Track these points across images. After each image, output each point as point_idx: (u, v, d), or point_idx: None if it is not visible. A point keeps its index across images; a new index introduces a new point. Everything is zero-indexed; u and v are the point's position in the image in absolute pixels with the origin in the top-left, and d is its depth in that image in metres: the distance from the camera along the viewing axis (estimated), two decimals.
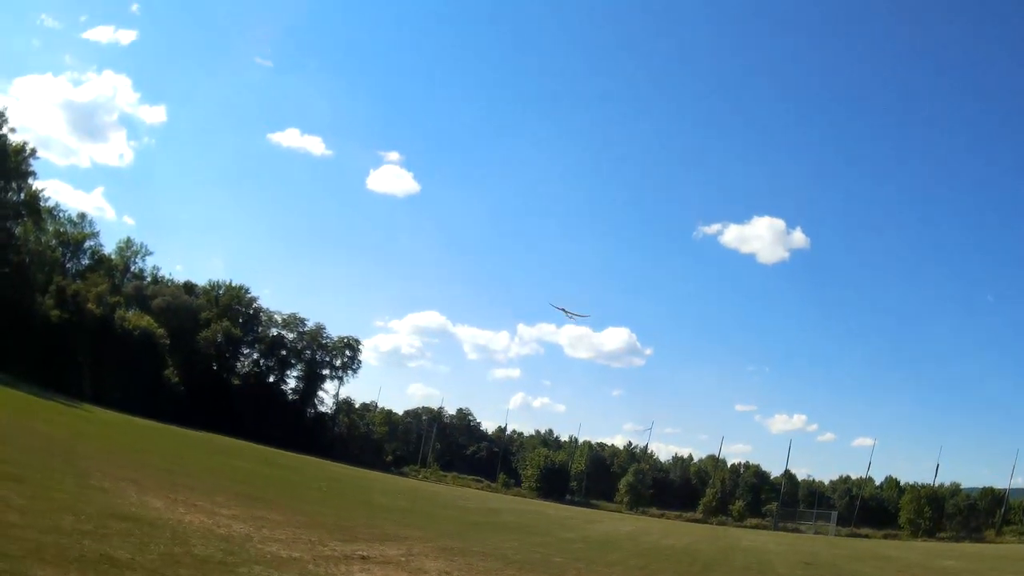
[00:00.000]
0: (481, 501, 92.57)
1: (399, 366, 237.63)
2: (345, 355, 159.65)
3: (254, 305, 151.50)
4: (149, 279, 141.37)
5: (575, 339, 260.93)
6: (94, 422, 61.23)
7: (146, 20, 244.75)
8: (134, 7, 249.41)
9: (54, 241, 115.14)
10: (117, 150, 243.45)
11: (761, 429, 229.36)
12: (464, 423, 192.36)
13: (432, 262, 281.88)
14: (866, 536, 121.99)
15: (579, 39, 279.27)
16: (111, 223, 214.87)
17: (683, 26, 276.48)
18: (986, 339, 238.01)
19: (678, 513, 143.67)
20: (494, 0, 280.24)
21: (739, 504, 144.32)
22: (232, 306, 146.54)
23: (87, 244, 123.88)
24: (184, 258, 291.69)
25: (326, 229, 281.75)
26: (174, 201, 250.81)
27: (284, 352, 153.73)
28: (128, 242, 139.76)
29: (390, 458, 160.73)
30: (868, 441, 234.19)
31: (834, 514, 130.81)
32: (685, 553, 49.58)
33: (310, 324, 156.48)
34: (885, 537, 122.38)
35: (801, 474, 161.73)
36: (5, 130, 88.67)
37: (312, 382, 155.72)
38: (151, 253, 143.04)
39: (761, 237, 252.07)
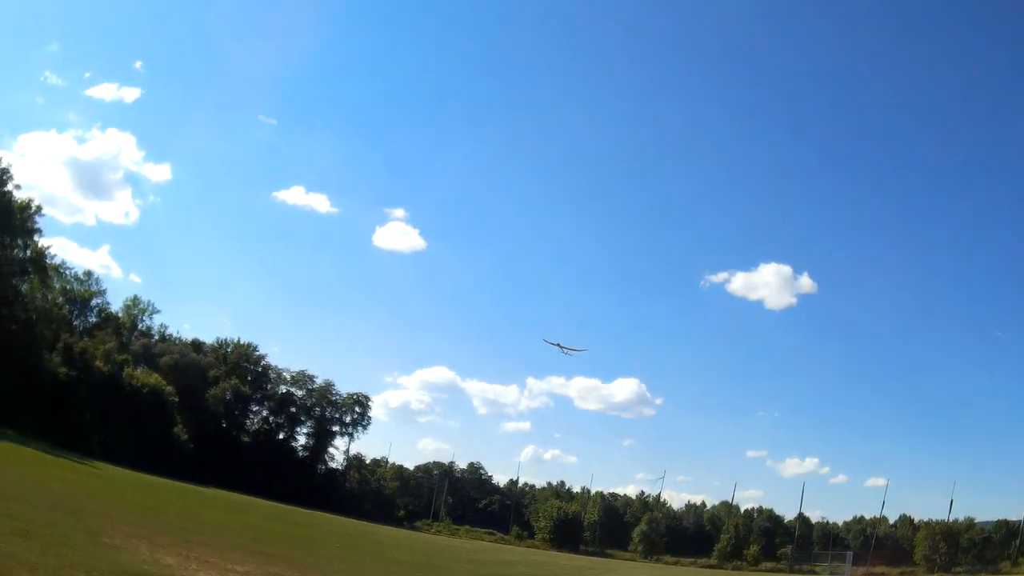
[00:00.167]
0: (495, 554, 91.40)
1: (409, 421, 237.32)
2: (355, 411, 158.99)
3: (263, 363, 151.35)
4: (157, 337, 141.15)
5: (585, 391, 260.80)
6: (104, 479, 60.61)
7: (150, 78, 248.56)
8: (138, 64, 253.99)
9: (61, 298, 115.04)
10: (123, 208, 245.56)
11: (773, 474, 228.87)
12: (475, 477, 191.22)
13: (440, 317, 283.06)
14: (882, 575, 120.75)
15: (584, 98, 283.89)
16: (118, 281, 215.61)
17: (684, 82, 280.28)
18: (995, 373, 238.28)
19: (692, 560, 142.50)
20: (499, 60, 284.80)
21: (754, 549, 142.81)
22: (241, 364, 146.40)
23: (94, 302, 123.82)
24: (191, 316, 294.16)
25: (333, 286, 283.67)
26: (181, 259, 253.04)
27: (294, 409, 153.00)
28: (135, 300, 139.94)
29: (402, 513, 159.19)
30: (881, 481, 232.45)
31: (849, 554, 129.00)
32: None
33: (319, 381, 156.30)
34: (901, 575, 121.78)
35: (815, 517, 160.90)
36: (10, 187, 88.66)
37: (322, 439, 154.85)
38: (158, 311, 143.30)
39: (768, 284, 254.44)
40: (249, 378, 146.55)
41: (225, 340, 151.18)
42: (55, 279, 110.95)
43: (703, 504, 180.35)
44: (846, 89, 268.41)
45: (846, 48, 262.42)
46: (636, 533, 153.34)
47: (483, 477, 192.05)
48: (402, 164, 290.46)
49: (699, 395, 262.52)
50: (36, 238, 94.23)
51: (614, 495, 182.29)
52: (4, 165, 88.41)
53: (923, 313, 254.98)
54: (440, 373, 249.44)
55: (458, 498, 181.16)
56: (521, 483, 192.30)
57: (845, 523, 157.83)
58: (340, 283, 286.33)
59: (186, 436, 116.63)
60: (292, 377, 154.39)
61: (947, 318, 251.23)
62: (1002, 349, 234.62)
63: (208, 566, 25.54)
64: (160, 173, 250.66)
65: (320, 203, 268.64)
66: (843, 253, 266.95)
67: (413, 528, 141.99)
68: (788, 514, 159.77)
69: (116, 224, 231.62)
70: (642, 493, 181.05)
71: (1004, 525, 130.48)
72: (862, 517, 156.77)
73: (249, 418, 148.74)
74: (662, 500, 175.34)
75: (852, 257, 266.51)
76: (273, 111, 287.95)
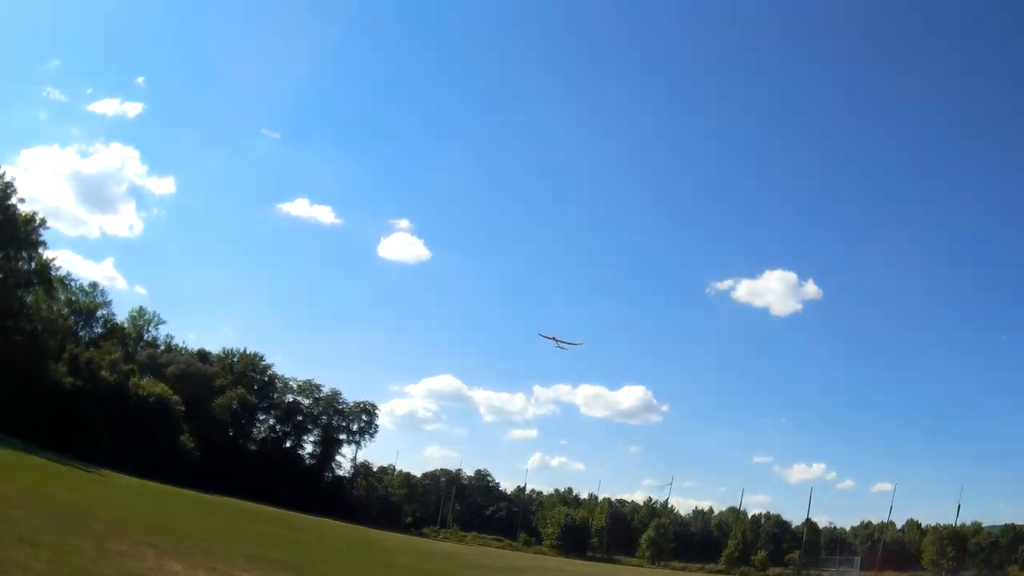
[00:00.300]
0: (503, 560, 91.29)
1: (415, 430, 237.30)
2: (362, 420, 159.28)
3: (269, 372, 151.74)
4: (163, 347, 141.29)
5: (591, 398, 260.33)
6: (110, 487, 60.62)
7: (152, 92, 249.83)
8: (140, 80, 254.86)
9: (66, 310, 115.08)
10: (127, 221, 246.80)
11: (780, 479, 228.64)
12: (483, 484, 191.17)
13: (445, 327, 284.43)
14: None
15: (589, 107, 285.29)
16: (123, 293, 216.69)
17: (692, 89, 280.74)
18: (1001, 377, 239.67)
19: (700, 565, 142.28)
20: (501, 69, 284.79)
21: (761, 554, 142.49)
22: (247, 373, 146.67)
23: (99, 313, 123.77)
24: (196, 327, 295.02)
25: (338, 297, 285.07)
26: (185, 271, 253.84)
27: (300, 418, 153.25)
28: (141, 311, 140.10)
29: (409, 520, 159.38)
30: (888, 486, 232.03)
31: (857, 559, 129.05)
32: None
33: (326, 390, 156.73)
34: None
35: (822, 522, 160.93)
36: (14, 200, 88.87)
37: (329, 447, 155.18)
38: (164, 322, 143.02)
39: (774, 291, 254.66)
40: (255, 387, 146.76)
41: (231, 350, 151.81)
42: (60, 291, 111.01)
43: (710, 510, 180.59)
44: (852, 97, 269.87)
45: (853, 56, 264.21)
46: (644, 539, 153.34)
47: (490, 484, 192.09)
48: (406, 175, 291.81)
49: (706, 402, 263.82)
50: (40, 250, 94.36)
51: (621, 501, 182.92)
52: (8, 179, 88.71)
53: (928, 318, 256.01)
54: (446, 381, 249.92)
55: (465, 505, 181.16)
56: (528, 490, 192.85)
57: (852, 528, 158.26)
58: (345, 294, 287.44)
59: (192, 445, 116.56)
60: (299, 386, 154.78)
61: (952, 323, 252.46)
62: (1007, 353, 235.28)
63: (215, 573, 25.59)
64: (164, 186, 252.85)
65: (324, 215, 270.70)
66: (848, 260, 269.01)
67: (420, 535, 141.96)
68: (795, 519, 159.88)
69: (121, 237, 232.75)
70: (649, 499, 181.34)
71: (1011, 529, 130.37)
72: (869, 522, 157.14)
73: (256, 427, 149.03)
74: (669, 506, 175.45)
75: (857, 263, 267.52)
76: (276, 124, 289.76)
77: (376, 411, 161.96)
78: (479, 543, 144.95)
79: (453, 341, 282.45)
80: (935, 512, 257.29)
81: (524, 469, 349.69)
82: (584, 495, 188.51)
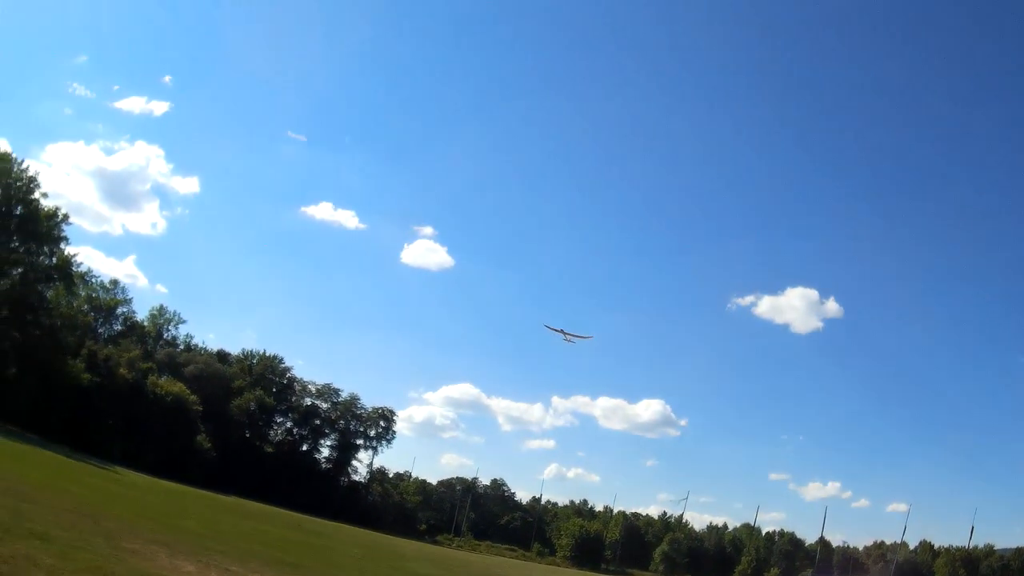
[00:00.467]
0: (516, 570, 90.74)
1: (432, 437, 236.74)
2: (379, 425, 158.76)
3: (288, 375, 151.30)
4: (182, 347, 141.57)
5: (609, 411, 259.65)
6: (125, 484, 60.33)
7: (179, 92, 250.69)
8: (167, 79, 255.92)
9: (86, 306, 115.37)
10: (150, 219, 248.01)
11: (795, 497, 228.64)
12: (498, 493, 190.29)
13: (466, 335, 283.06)
14: None
15: (615, 122, 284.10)
16: (144, 291, 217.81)
17: (716, 107, 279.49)
18: (1018, 400, 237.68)
19: None
20: (531, 81, 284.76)
21: (774, 571, 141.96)
22: (266, 375, 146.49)
23: (119, 311, 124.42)
24: (217, 327, 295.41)
25: (360, 302, 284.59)
26: (207, 271, 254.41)
27: (318, 422, 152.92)
28: (161, 310, 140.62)
29: (423, 527, 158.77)
30: (902, 506, 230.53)
31: None
32: None
33: (344, 395, 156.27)
34: None
35: (836, 540, 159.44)
36: (37, 195, 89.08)
37: (346, 451, 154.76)
38: (184, 321, 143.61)
39: (795, 307, 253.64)
40: (274, 389, 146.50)
41: (250, 352, 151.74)
42: (81, 287, 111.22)
43: (725, 526, 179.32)
44: (875, 115, 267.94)
45: (879, 75, 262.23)
46: (657, 553, 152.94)
47: (505, 493, 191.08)
48: (431, 181, 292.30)
49: (724, 417, 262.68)
50: (62, 246, 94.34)
51: (636, 515, 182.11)
52: (31, 173, 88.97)
53: (947, 339, 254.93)
54: (465, 390, 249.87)
55: (480, 513, 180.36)
56: (544, 500, 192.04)
57: (865, 547, 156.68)
58: (367, 299, 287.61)
59: (209, 445, 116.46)
60: (317, 390, 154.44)
61: (970, 344, 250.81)
62: None
63: (228, 574, 25.10)
64: (188, 186, 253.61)
65: (348, 219, 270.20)
66: (869, 278, 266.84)
67: (434, 542, 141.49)
68: (810, 537, 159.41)
69: (143, 235, 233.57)
70: (664, 513, 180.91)
71: (1023, 553, 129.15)
72: (883, 542, 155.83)
73: (273, 429, 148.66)
74: (684, 521, 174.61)
75: (878, 282, 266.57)
76: (303, 127, 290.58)
77: (394, 417, 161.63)
78: (493, 552, 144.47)
79: (473, 349, 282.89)
80: (949, 534, 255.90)
81: (540, 479, 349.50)
82: (599, 507, 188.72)
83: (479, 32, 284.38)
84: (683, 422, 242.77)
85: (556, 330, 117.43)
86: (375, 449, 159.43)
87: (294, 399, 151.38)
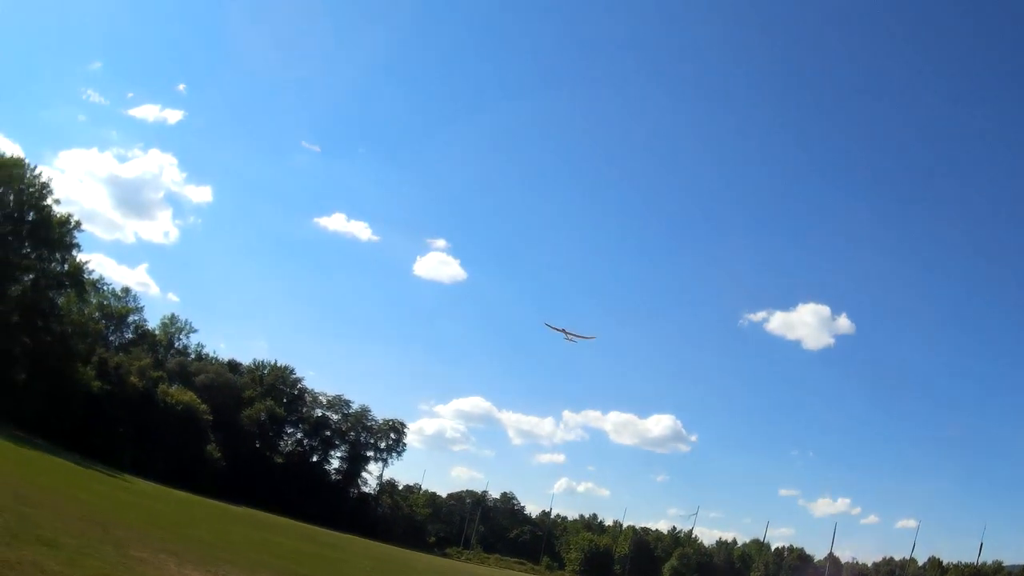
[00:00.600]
0: None
1: (443, 450, 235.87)
2: (390, 437, 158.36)
3: (299, 386, 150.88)
4: (193, 356, 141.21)
5: (620, 425, 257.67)
6: (134, 492, 60.01)
7: (193, 100, 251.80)
8: (181, 87, 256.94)
9: (97, 314, 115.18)
10: (163, 228, 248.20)
11: (805, 513, 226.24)
12: (508, 506, 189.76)
13: (478, 348, 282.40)
14: None
15: (627, 135, 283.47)
16: (155, 299, 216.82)
17: (728, 121, 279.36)
18: None
19: None
20: (542, 92, 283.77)
21: None
22: (276, 386, 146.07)
23: (131, 319, 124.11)
24: (228, 337, 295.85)
25: (372, 314, 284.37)
26: (219, 280, 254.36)
27: (328, 433, 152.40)
28: (172, 318, 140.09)
29: (433, 539, 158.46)
30: (912, 523, 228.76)
31: None
32: None
33: (355, 406, 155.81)
34: None
35: (845, 556, 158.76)
36: (49, 201, 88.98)
37: (356, 463, 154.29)
38: (195, 331, 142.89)
39: (806, 324, 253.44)
40: (285, 400, 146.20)
41: (262, 362, 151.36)
42: (92, 294, 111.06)
43: (734, 541, 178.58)
44: (888, 130, 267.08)
45: (893, 90, 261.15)
46: (666, 568, 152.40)
47: (515, 507, 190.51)
48: (444, 194, 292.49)
49: (734, 433, 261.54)
50: (74, 253, 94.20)
51: (646, 529, 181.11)
52: (44, 180, 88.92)
53: (958, 355, 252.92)
54: (476, 403, 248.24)
55: (489, 527, 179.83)
56: (553, 514, 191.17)
57: (874, 564, 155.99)
58: (379, 311, 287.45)
59: (219, 454, 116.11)
60: (328, 401, 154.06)
61: (981, 360, 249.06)
62: None
63: None
64: (201, 195, 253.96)
65: (361, 231, 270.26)
66: (881, 294, 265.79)
67: (443, 555, 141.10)
68: (818, 553, 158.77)
69: (155, 243, 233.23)
70: (674, 528, 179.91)
71: None
72: (891, 558, 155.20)
73: (283, 440, 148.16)
74: (693, 536, 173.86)
75: (890, 299, 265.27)
76: (316, 138, 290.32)
77: (405, 429, 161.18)
78: (502, 566, 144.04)
79: (484, 363, 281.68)
80: (958, 550, 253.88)
81: (550, 493, 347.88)
82: (609, 522, 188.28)
83: (496, 44, 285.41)
84: (693, 437, 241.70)
85: (558, 329, 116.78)
86: (385, 461, 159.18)
87: (305, 410, 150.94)
